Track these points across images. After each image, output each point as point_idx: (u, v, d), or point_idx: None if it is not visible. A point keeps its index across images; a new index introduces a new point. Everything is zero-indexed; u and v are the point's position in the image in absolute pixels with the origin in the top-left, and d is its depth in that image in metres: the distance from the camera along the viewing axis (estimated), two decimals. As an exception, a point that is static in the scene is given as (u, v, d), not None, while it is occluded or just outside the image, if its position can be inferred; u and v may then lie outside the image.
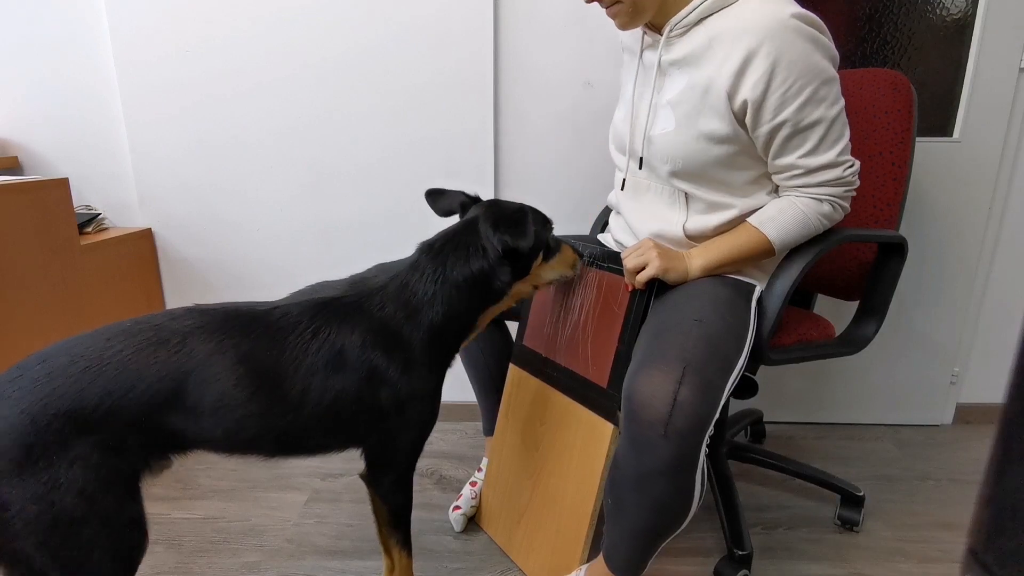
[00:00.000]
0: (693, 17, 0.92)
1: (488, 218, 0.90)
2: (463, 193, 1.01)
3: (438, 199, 1.02)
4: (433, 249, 0.90)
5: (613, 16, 0.96)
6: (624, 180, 1.08)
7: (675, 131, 0.95)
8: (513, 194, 1.59)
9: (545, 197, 1.58)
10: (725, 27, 0.89)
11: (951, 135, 1.53)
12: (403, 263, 0.91)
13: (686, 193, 0.99)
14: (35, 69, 1.55)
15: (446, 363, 0.94)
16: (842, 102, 0.90)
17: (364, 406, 0.83)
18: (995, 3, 1.43)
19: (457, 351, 0.95)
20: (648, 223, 1.05)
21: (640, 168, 1.03)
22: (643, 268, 0.95)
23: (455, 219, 0.99)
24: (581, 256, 1.06)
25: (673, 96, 0.95)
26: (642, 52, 1.02)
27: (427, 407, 0.90)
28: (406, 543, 0.98)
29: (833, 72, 0.89)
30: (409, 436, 0.90)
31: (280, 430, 0.81)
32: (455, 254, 0.89)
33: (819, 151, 0.90)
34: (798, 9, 0.86)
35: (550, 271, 1.00)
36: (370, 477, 0.93)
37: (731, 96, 0.89)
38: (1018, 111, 1.49)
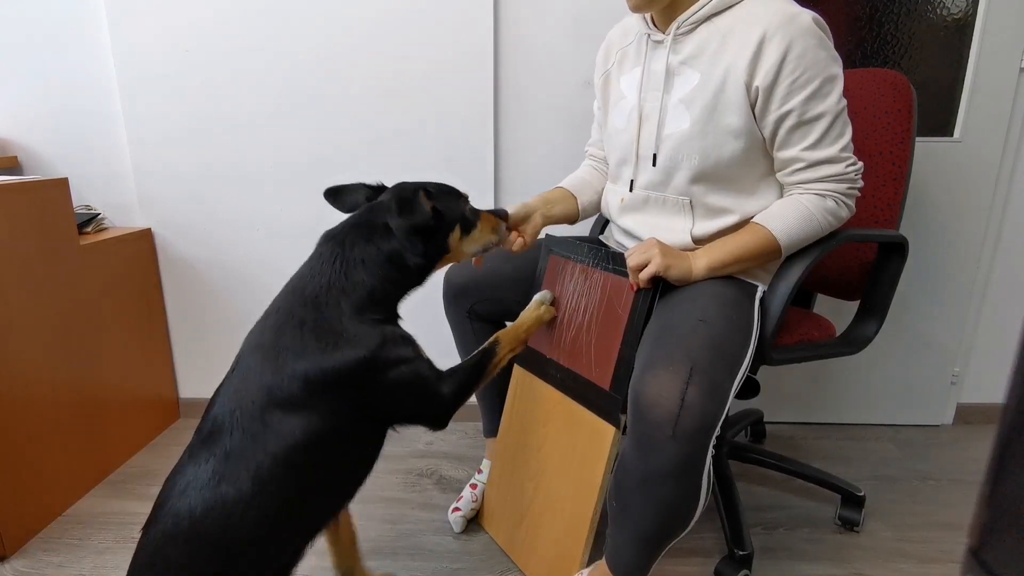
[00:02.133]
0: (702, 15, 0.94)
1: (388, 202, 0.90)
2: (364, 185, 0.98)
3: (341, 196, 0.99)
4: (335, 237, 0.89)
5: None
6: (632, 182, 1.07)
7: (691, 127, 0.96)
8: (514, 190, 1.59)
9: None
10: (737, 22, 0.92)
11: (951, 135, 1.53)
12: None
13: (690, 200, 0.99)
14: (35, 69, 1.55)
15: (390, 319, 0.89)
16: (845, 102, 0.92)
17: (358, 395, 0.82)
18: (995, 3, 1.43)
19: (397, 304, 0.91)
20: (654, 234, 1.04)
21: (654, 165, 1.02)
22: (646, 266, 0.95)
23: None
24: (504, 219, 1.04)
25: (685, 94, 0.96)
26: (646, 60, 1.03)
27: (387, 352, 0.84)
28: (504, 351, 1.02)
29: (837, 71, 0.91)
30: (406, 388, 0.87)
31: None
32: (358, 239, 0.87)
33: (822, 145, 0.91)
34: (806, 10, 0.89)
35: (472, 244, 0.99)
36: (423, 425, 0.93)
37: (748, 86, 0.90)
38: (1018, 111, 1.49)
